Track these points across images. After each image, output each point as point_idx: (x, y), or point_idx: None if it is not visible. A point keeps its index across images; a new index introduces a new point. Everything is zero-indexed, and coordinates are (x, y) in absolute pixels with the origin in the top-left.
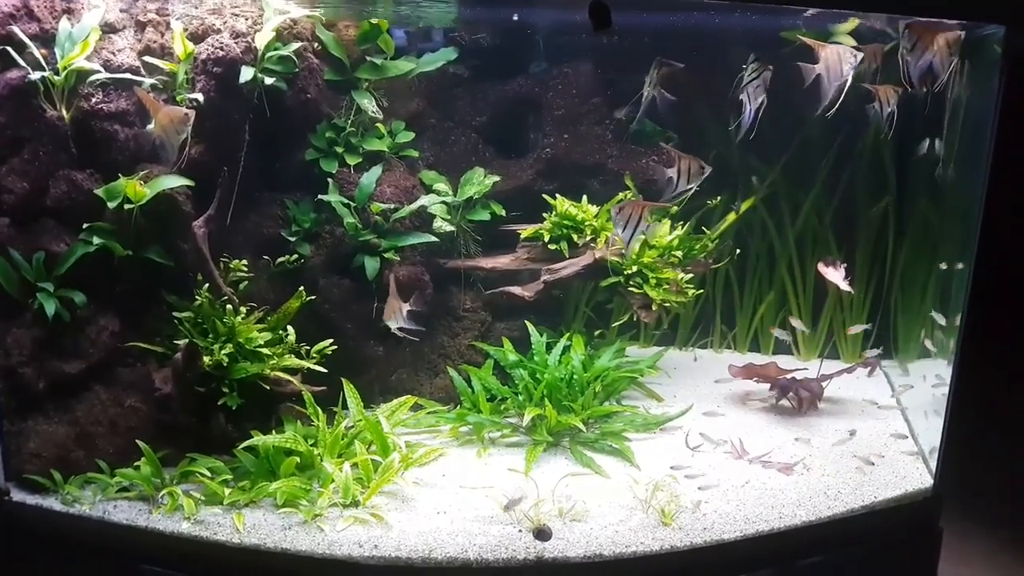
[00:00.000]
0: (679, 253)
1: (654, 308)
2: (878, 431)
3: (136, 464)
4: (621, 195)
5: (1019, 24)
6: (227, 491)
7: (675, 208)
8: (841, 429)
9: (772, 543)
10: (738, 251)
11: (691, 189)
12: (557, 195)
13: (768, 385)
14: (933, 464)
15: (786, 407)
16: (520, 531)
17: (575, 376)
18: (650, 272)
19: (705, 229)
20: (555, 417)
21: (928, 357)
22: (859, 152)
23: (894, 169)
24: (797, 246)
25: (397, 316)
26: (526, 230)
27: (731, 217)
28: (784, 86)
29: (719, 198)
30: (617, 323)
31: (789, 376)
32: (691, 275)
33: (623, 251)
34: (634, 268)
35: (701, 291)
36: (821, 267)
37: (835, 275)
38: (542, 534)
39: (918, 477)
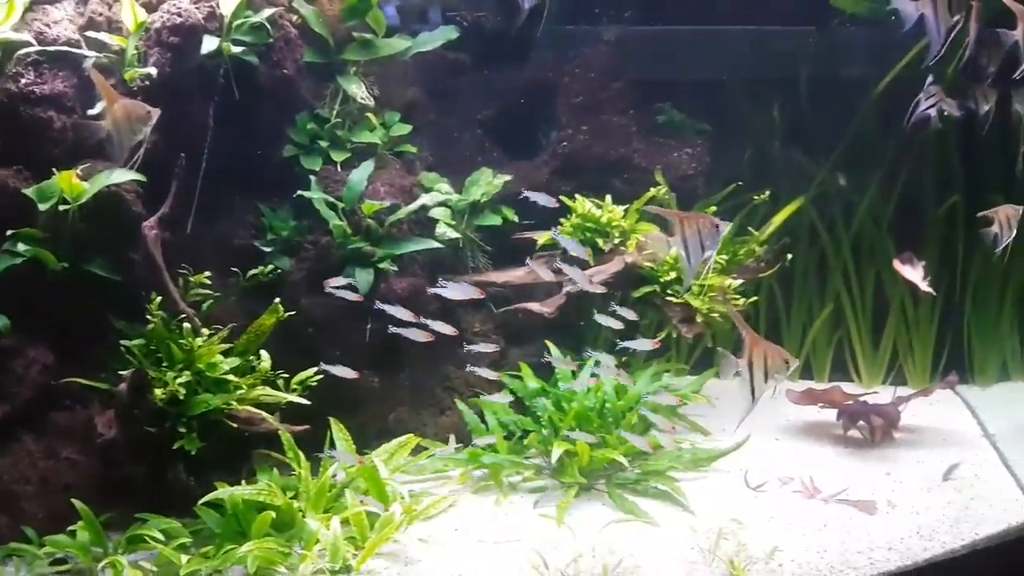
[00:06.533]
0: (723, 257)
1: (698, 320)
2: (966, 460)
3: (71, 529)
4: (653, 191)
5: None
6: (184, 558)
7: (712, 208)
8: (924, 460)
9: None
10: (790, 256)
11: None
12: (576, 196)
13: (834, 412)
14: None
15: (856, 437)
16: None
17: (608, 404)
18: None
19: (751, 230)
20: (588, 453)
21: (1008, 380)
22: (920, 145)
23: (962, 164)
24: (853, 254)
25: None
26: (543, 237)
27: (781, 216)
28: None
29: (766, 193)
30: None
31: (859, 401)
32: (740, 282)
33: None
34: (672, 274)
35: (755, 298)
36: (897, 265)
37: (913, 273)
38: None
39: (1022, 510)
